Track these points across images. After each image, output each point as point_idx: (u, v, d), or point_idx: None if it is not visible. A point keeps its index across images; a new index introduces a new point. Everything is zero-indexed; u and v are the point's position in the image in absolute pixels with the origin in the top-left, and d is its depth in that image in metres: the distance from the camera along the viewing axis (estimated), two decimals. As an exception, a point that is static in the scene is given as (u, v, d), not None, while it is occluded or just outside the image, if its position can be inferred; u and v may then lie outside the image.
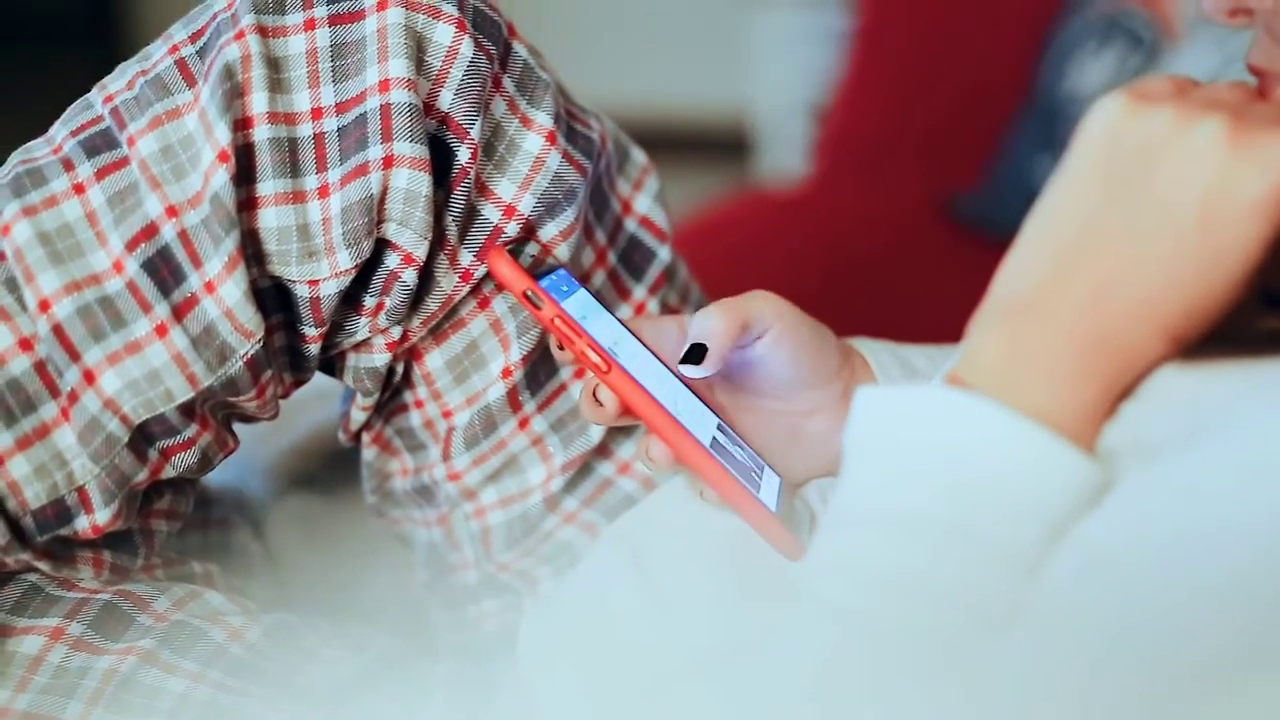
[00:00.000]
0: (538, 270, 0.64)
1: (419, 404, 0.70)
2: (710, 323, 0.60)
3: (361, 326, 0.65)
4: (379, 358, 0.66)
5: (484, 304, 0.67)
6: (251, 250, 0.60)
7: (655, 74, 2.86)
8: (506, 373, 0.68)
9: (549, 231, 0.66)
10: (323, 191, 0.61)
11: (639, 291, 0.73)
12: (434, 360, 0.68)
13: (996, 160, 1.55)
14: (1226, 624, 0.40)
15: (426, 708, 0.65)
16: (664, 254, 0.73)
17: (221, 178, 0.59)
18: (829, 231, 1.52)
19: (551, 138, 0.65)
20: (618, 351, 0.61)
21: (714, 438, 0.61)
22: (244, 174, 0.60)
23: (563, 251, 0.66)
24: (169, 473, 0.64)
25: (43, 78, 1.93)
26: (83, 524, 0.62)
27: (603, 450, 0.72)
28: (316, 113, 0.61)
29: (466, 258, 0.65)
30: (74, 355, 0.59)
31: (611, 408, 0.61)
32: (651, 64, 2.89)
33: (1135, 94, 0.49)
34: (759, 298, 0.63)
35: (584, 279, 0.69)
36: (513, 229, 0.65)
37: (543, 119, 0.65)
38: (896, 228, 1.54)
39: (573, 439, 0.70)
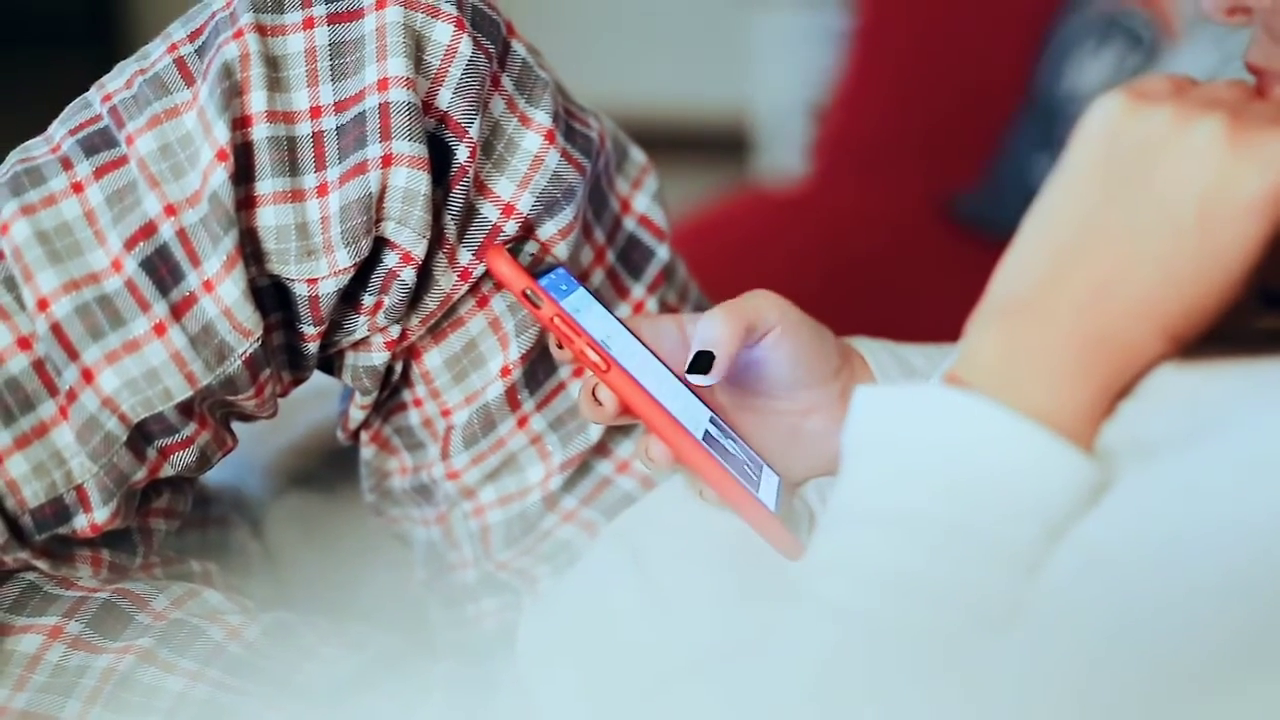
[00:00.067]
0: (536, 269, 0.64)
1: (417, 403, 0.70)
2: (715, 330, 0.60)
3: (360, 325, 0.65)
4: (377, 356, 0.66)
5: (482, 303, 0.67)
6: (250, 249, 0.60)
7: (655, 74, 2.87)
8: (505, 371, 0.68)
9: (548, 230, 0.66)
10: (321, 190, 0.61)
11: (638, 290, 0.73)
12: (432, 359, 0.68)
13: (995, 160, 1.55)
14: (1225, 623, 0.40)
15: (425, 706, 0.65)
16: (662, 253, 0.73)
17: (220, 176, 0.59)
18: (828, 231, 1.52)
19: (550, 136, 0.65)
20: (616, 350, 0.61)
21: (706, 430, 0.61)
22: (242, 173, 0.60)
23: (561, 250, 0.66)
24: (167, 471, 0.64)
25: (43, 78, 1.93)
26: (81, 523, 0.62)
27: (601, 449, 0.72)
28: (315, 111, 0.61)
29: (465, 256, 0.65)
30: (72, 354, 0.59)
31: (610, 407, 0.61)
32: (651, 64, 2.89)
33: (1134, 93, 0.49)
34: (761, 297, 0.63)
35: (583, 278, 0.69)
36: (511, 228, 0.65)
37: (541, 118, 0.65)
38: (896, 227, 1.54)
39: (571, 438, 0.70)
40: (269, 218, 0.60)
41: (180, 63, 0.62)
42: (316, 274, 0.61)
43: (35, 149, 0.63)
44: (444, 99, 0.62)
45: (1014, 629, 0.44)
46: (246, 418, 0.67)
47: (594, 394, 0.61)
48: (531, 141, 0.65)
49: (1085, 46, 1.45)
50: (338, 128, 0.61)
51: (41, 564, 0.63)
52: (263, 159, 0.60)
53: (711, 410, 0.64)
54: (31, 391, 0.60)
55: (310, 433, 0.89)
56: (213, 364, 0.60)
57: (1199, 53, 1.29)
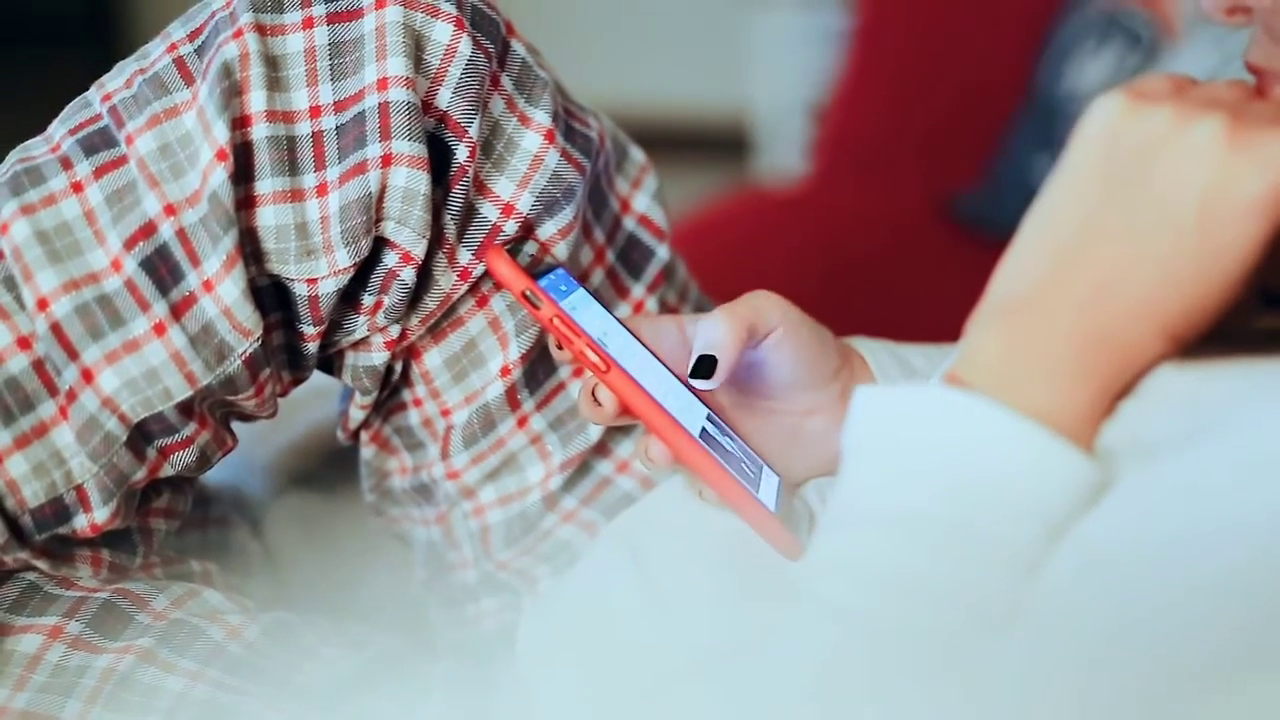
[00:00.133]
0: (536, 269, 0.64)
1: (417, 402, 0.70)
2: (718, 333, 0.60)
3: (360, 325, 0.65)
4: (377, 356, 0.66)
5: (482, 302, 0.67)
6: (250, 248, 0.60)
7: (655, 74, 2.87)
8: (505, 371, 0.68)
9: (547, 230, 0.66)
10: (321, 190, 0.61)
11: (637, 290, 0.73)
12: (432, 359, 0.68)
13: (995, 160, 1.55)
14: (1225, 623, 0.40)
15: (425, 706, 0.65)
16: (662, 252, 0.73)
17: (220, 176, 0.59)
18: (828, 231, 1.52)
19: (550, 136, 0.65)
20: (616, 350, 0.61)
21: (703, 428, 0.61)
22: (242, 172, 0.60)
23: (561, 250, 0.66)
24: (167, 471, 0.64)
25: (43, 78, 1.93)
26: (81, 522, 0.62)
27: (601, 449, 0.72)
28: (315, 111, 0.61)
29: (465, 256, 0.65)
30: (72, 354, 0.59)
31: (610, 407, 0.61)
32: (651, 64, 2.89)
33: (1134, 93, 0.49)
34: (762, 298, 0.63)
35: (582, 277, 0.69)
36: (511, 227, 0.65)
37: (541, 117, 0.65)
38: (895, 227, 1.54)
39: (571, 437, 0.70)
40: (269, 217, 0.60)
41: (180, 62, 0.62)
42: (316, 274, 0.61)
43: (35, 149, 0.63)
44: (444, 98, 0.62)
45: (1014, 629, 0.44)
46: (246, 417, 0.67)
47: (593, 394, 0.61)
48: (531, 141, 0.65)
49: (1085, 46, 1.45)
50: (337, 127, 0.61)
51: (41, 564, 0.63)
52: (262, 159, 0.60)
53: (711, 410, 0.64)
54: (31, 391, 0.60)
55: (310, 433, 0.89)
56: (212, 364, 0.60)
57: (1199, 53, 1.29)
